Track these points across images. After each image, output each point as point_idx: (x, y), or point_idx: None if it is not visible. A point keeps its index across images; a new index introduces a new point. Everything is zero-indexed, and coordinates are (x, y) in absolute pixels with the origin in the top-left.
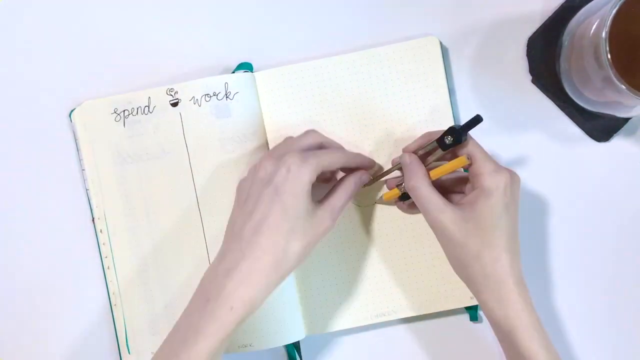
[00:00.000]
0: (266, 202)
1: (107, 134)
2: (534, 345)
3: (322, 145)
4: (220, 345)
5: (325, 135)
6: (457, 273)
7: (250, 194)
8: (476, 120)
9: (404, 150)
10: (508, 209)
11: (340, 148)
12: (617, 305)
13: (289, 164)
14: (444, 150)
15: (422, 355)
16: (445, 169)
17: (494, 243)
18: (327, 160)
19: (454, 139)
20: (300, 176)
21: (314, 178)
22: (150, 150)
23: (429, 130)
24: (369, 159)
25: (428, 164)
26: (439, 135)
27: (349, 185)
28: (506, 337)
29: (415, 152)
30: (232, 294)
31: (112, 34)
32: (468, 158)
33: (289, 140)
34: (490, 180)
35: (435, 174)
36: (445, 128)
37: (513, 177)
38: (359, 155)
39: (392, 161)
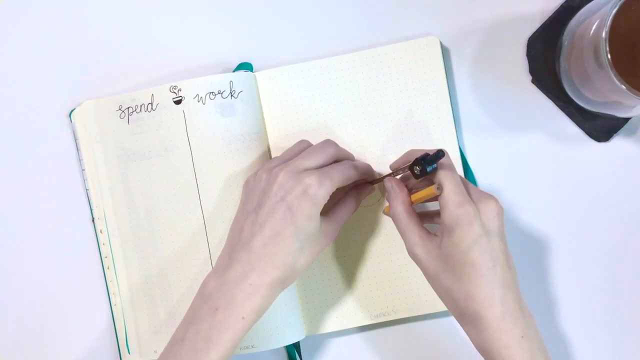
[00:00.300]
0: (279, 219)
1: (112, 130)
2: None
3: (337, 158)
4: (231, 352)
5: (325, 135)
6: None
7: (261, 203)
8: (437, 155)
9: (390, 168)
10: (479, 242)
11: (352, 161)
12: (618, 305)
13: (306, 186)
14: (416, 178)
15: (422, 356)
16: (420, 197)
17: (464, 280)
18: (342, 181)
19: (421, 169)
20: (315, 199)
21: (327, 199)
22: (152, 147)
23: (413, 148)
24: (373, 170)
25: (412, 186)
26: (420, 154)
27: (357, 200)
28: None
29: (402, 170)
30: (242, 304)
31: (112, 34)
32: (438, 188)
33: (302, 144)
34: (450, 216)
35: (414, 199)
36: (447, 132)
37: (484, 209)
38: (367, 166)
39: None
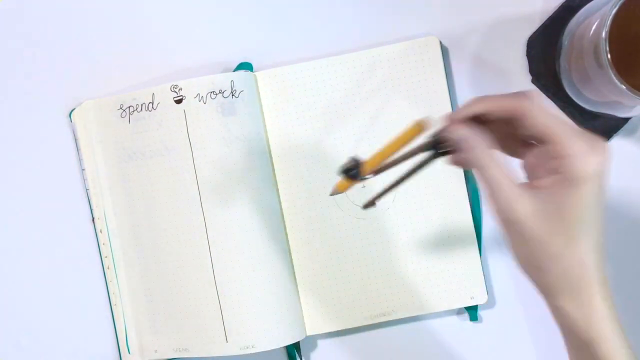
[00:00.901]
0: None
1: (113, 130)
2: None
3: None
4: None
5: (326, 135)
6: (525, 273)
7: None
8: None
9: (451, 120)
10: (599, 198)
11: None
12: (618, 305)
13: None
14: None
15: (422, 356)
16: (398, 143)
17: (581, 242)
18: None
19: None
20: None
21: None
22: (153, 147)
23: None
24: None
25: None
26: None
27: None
28: (584, 349)
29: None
30: None
31: (112, 34)
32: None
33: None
34: (583, 165)
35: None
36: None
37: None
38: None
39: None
